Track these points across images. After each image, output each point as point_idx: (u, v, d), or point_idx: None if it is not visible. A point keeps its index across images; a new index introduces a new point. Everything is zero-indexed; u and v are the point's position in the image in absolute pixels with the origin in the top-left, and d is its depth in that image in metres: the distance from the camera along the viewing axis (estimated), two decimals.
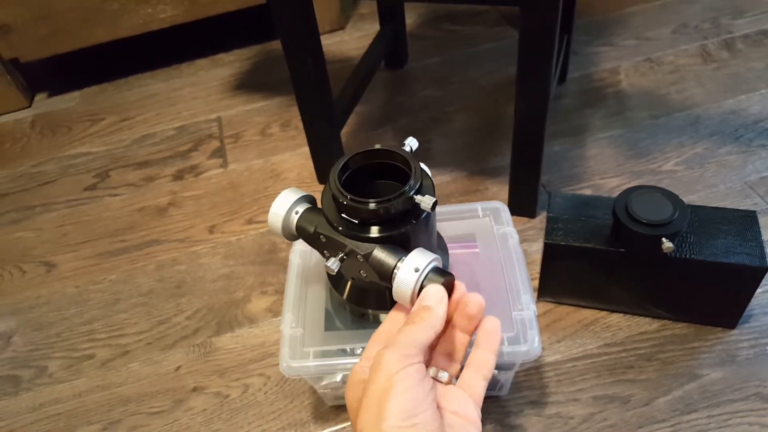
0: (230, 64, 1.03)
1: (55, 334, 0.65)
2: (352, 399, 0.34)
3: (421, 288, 0.40)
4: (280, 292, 0.65)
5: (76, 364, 0.62)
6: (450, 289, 0.43)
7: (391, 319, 0.39)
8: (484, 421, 0.52)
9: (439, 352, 0.38)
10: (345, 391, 0.35)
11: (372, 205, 0.41)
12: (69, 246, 0.75)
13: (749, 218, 0.54)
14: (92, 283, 0.70)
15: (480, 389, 0.36)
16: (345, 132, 0.81)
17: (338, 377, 0.51)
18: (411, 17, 1.06)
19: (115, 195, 0.82)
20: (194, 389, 0.58)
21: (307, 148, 0.76)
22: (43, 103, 1.02)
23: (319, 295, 0.52)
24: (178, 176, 0.83)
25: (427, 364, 0.37)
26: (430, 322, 0.34)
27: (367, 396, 0.31)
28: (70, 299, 0.69)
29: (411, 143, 0.46)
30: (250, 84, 0.98)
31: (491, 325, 0.36)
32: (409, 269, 0.41)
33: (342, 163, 0.45)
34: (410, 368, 0.31)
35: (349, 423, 0.54)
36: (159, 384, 0.59)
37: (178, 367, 0.60)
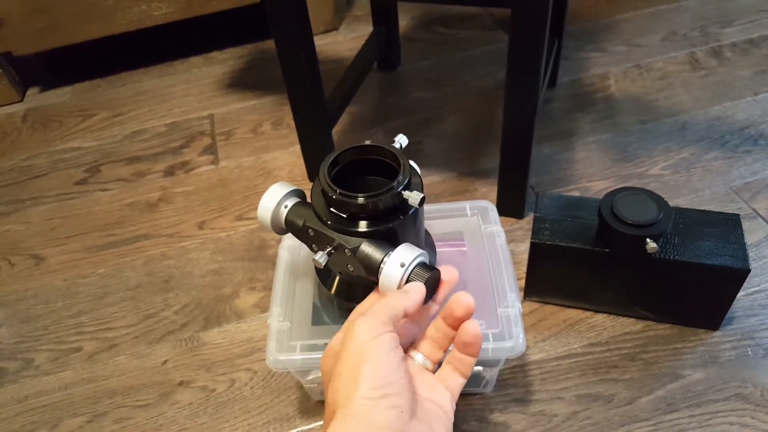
0: (223, 62, 1.04)
1: (43, 326, 0.65)
2: (326, 369, 0.34)
3: (407, 282, 0.41)
4: (269, 288, 0.65)
5: (63, 356, 0.62)
6: (436, 283, 0.43)
7: (371, 299, 0.40)
8: (468, 417, 0.53)
9: (427, 337, 0.39)
10: (321, 362, 0.35)
11: (360, 200, 0.42)
12: (58, 239, 0.75)
13: (733, 221, 0.55)
14: (81, 276, 0.70)
15: (457, 384, 0.36)
16: (337, 131, 0.82)
17: None
18: (404, 20, 1.07)
19: (106, 190, 0.82)
20: (180, 383, 0.58)
21: (298, 147, 0.77)
22: (35, 97, 1.02)
23: (307, 289, 0.52)
24: (169, 172, 0.83)
25: (406, 349, 0.38)
26: (403, 300, 0.35)
27: (340, 363, 0.31)
28: (58, 292, 0.68)
29: (401, 140, 0.47)
30: (242, 82, 0.98)
31: (469, 338, 0.36)
32: (396, 264, 0.41)
33: (332, 158, 0.45)
34: (382, 337, 0.31)
35: None
36: (145, 377, 0.59)
37: (165, 361, 0.60)
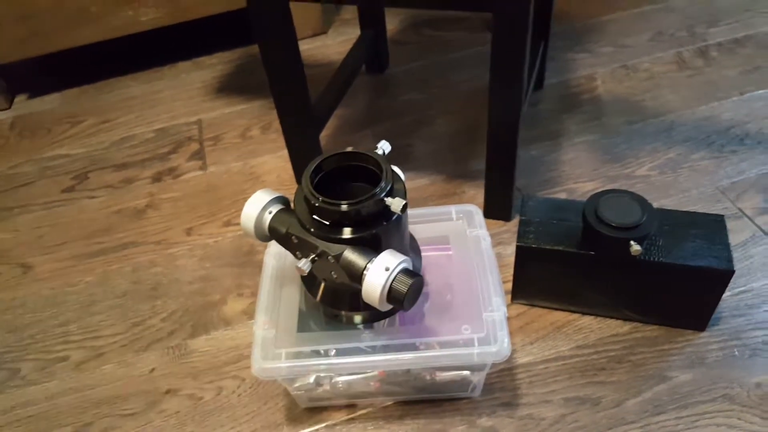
0: (212, 66, 1.03)
1: (29, 336, 0.64)
2: None
3: (390, 288, 0.41)
4: (257, 294, 0.64)
5: (50, 366, 0.61)
6: (419, 290, 0.43)
7: None
8: (456, 422, 0.53)
9: None
10: None
11: (343, 207, 0.42)
12: (45, 248, 0.75)
13: (717, 222, 0.55)
14: (68, 285, 0.69)
15: None
16: (325, 135, 0.82)
17: (311, 379, 0.51)
18: (392, 23, 1.07)
19: (93, 197, 0.81)
20: (168, 391, 0.58)
21: (287, 151, 0.76)
22: (22, 104, 1.01)
23: (293, 296, 0.52)
24: (157, 178, 0.83)
25: None
26: None
27: None
28: (45, 301, 0.68)
29: (383, 146, 0.47)
30: (231, 87, 0.98)
31: None
32: (379, 270, 0.41)
33: (315, 165, 0.45)
34: None
35: (324, 424, 0.54)
36: (132, 386, 0.58)
37: (152, 370, 0.60)
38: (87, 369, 0.60)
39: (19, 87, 1.04)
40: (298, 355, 0.48)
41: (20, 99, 1.02)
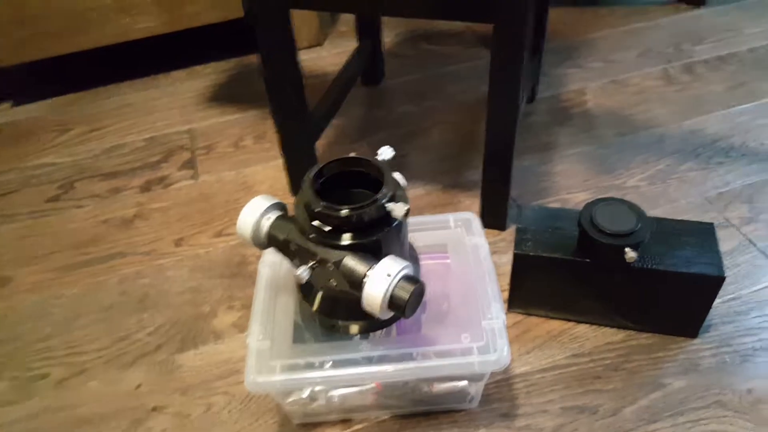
0: (206, 76, 1.03)
1: (5, 353, 0.61)
2: None
3: (392, 295, 0.40)
4: (248, 306, 0.63)
5: (28, 384, 0.58)
6: (420, 296, 0.43)
7: None
8: None
9: None
10: None
11: (344, 212, 0.41)
12: (28, 259, 0.72)
13: (707, 230, 0.56)
14: (51, 297, 0.67)
15: None
16: (321, 145, 0.81)
17: (305, 393, 0.49)
18: (388, 36, 1.08)
19: (80, 207, 0.79)
20: (154, 408, 0.55)
21: (280, 161, 0.76)
22: (9, 111, 0.99)
23: (288, 306, 0.51)
24: (146, 188, 0.81)
25: None
26: None
27: None
28: (26, 315, 0.65)
29: (385, 153, 0.47)
30: (225, 96, 0.98)
31: None
32: (380, 276, 0.40)
33: (316, 171, 0.45)
34: None
35: None
36: (117, 403, 0.56)
37: (138, 386, 0.57)
38: (69, 386, 0.58)
39: (6, 93, 1.02)
40: (293, 368, 0.46)
41: (5, 106, 1.00)
